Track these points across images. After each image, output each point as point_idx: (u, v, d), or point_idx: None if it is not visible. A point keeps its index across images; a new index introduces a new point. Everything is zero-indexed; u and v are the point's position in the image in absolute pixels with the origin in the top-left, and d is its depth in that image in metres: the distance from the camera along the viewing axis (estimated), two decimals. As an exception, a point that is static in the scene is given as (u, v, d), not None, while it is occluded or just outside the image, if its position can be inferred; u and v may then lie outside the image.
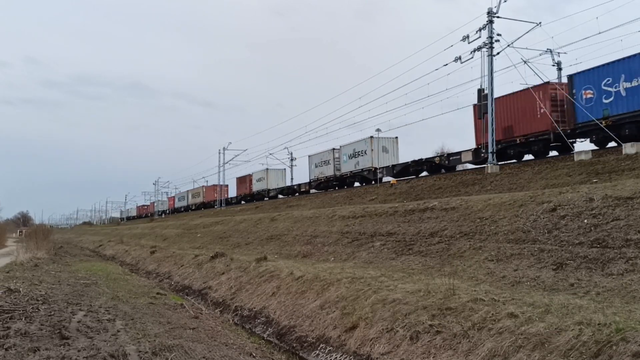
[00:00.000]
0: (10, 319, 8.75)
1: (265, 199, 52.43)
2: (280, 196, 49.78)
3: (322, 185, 41.71)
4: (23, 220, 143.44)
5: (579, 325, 6.73)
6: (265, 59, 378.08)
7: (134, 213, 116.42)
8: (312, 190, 43.57)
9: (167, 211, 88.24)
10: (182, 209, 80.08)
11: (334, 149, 40.40)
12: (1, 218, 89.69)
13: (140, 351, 7.02)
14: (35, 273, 18.17)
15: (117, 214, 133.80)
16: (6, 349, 6.77)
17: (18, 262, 22.68)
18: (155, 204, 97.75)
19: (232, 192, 64.04)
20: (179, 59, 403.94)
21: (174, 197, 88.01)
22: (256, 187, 55.25)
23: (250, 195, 56.84)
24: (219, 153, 60.82)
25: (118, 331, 8.53)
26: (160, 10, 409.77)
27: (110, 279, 18.43)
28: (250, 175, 57.05)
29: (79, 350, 6.87)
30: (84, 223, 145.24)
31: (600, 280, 8.94)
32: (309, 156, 44.25)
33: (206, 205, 68.16)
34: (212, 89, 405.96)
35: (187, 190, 79.82)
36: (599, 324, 6.58)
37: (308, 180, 44.78)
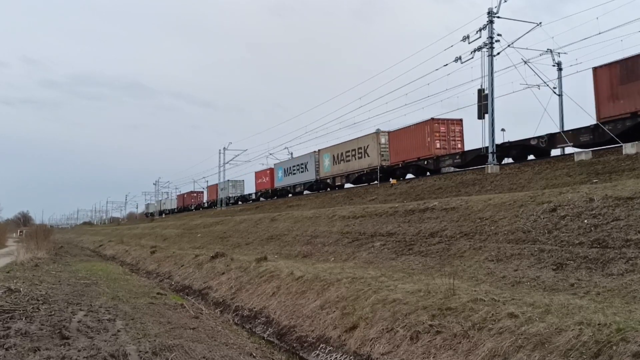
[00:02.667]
0: (10, 318, 8.75)
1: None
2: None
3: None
4: (23, 220, 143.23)
5: (579, 326, 6.73)
6: (264, 59, 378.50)
7: (170, 205, 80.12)
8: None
9: (259, 194, 50.76)
10: (299, 189, 42.08)
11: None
12: (1, 218, 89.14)
13: (140, 351, 7.01)
14: (36, 273, 18.18)
15: (117, 214, 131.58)
16: (6, 349, 6.77)
17: (18, 262, 22.73)
18: (220, 188, 57.61)
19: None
20: (177, 59, 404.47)
21: (268, 170, 48.54)
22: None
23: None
24: (219, 153, 60.24)
25: (118, 331, 8.53)
26: (158, 10, 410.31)
27: (111, 279, 18.43)
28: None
29: (79, 350, 6.87)
30: (84, 223, 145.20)
31: (601, 280, 8.94)
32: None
33: (386, 174, 31.45)
34: (211, 89, 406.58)
35: (331, 147, 37.17)
36: (599, 324, 6.58)
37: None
